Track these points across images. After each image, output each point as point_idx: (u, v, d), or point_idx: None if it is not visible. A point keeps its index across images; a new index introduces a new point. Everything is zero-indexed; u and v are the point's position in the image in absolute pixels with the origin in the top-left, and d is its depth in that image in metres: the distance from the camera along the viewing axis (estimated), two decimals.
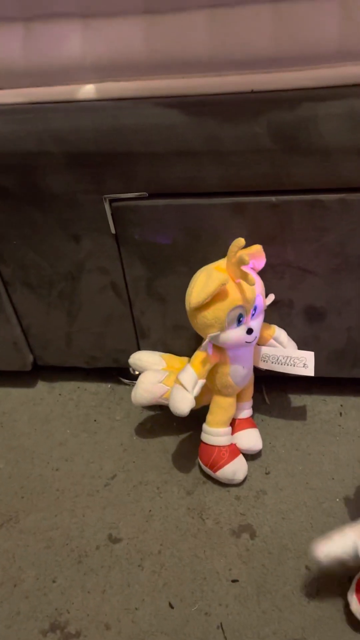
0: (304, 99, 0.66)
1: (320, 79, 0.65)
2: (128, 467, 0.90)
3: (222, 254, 0.76)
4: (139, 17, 0.65)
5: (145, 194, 0.76)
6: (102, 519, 0.84)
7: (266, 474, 0.87)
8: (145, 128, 0.70)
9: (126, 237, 0.80)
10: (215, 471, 0.85)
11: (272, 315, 0.85)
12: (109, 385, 1.05)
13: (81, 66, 0.69)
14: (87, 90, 0.70)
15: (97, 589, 0.76)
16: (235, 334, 0.75)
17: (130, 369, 0.99)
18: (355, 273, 0.80)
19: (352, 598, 0.69)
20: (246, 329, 0.75)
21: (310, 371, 0.83)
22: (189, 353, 0.83)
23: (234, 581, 0.75)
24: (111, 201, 0.77)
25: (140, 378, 0.87)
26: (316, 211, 0.74)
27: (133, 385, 0.88)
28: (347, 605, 0.69)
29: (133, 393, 0.87)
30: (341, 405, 0.96)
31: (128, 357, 0.93)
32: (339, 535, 0.67)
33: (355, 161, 0.69)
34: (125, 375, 1.04)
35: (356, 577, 0.70)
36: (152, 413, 0.98)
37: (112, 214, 0.78)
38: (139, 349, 0.95)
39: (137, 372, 0.92)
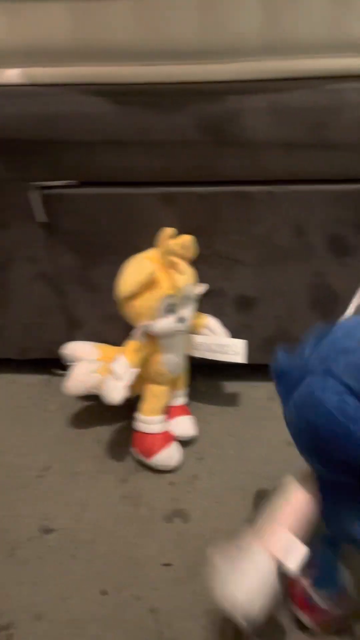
0: (230, 91, 0.67)
1: (244, 72, 0.67)
2: (62, 458, 0.90)
3: (153, 243, 0.77)
4: (64, 2, 0.64)
5: (74, 182, 0.75)
6: (35, 511, 0.83)
7: (199, 459, 0.89)
8: (72, 115, 0.69)
9: (56, 226, 0.80)
10: (149, 458, 0.86)
11: (205, 304, 0.87)
12: (44, 377, 1.03)
13: (5, 50, 0.67)
14: (11, 75, 0.68)
15: (29, 580, 0.75)
16: (167, 322, 0.76)
17: (64, 360, 0.98)
18: (283, 263, 0.82)
19: (298, 612, 0.65)
20: (177, 318, 0.76)
21: (241, 358, 0.85)
22: (124, 343, 0.83)
23: (166, 565, 0.77)
24: (42, 189, 0.76)
25: (74, 368, 0.87)
26: (244, 203, 0.76)
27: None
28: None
29: (66, 383, 0.87)
30: (271, 391, 0.99)
31: (62, 348, 0.92)
32: (244, 558, 0.49)
33: (280, 154, 0.71)
34: (61, 366, 1.03)
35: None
36: (86, 403, 0.98)
37: (42, 202, 0.77)
38: (72, 339, 0.94)
39: (71, 363, 0.91)
